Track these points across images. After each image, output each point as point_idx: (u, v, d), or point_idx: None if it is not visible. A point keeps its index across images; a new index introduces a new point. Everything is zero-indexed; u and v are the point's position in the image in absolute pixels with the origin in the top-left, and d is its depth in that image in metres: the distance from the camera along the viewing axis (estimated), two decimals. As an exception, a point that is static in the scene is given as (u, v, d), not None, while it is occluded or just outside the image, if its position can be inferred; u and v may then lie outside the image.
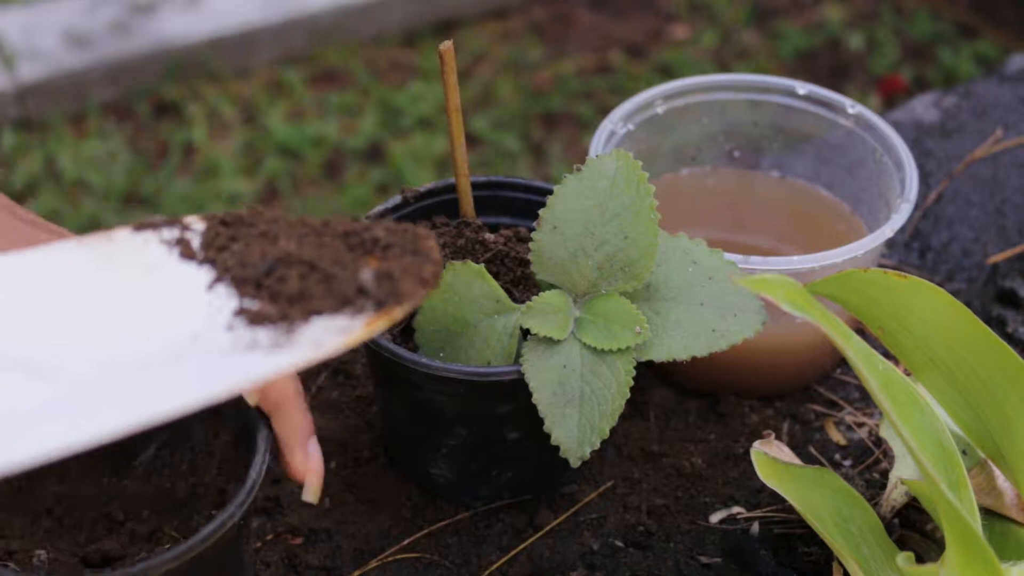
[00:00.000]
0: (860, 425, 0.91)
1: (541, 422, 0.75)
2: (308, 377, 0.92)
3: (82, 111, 2.14)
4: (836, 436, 0.90)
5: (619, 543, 0.83)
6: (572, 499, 0.85)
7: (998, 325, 0.98)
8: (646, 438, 0.89)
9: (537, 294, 0.78)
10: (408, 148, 2.10)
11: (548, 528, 0.83)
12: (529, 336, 0.77)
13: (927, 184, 1.11)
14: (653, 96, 0.95)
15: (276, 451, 0.72)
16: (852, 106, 0.95)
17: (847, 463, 0.88)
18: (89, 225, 1.91)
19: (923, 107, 1.21)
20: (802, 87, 0.97)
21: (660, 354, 0.76)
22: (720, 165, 1.01)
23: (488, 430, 0.80)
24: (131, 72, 2.18)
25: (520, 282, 0.82)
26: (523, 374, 0.75)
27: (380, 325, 0.61)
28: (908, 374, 0.74)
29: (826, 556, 0.79)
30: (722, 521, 0.84)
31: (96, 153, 2.06)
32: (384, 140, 2.13)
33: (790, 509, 0.82)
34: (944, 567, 0.66)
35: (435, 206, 0.87)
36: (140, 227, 0.68)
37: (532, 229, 0.80)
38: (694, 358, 0.76)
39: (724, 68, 2.23)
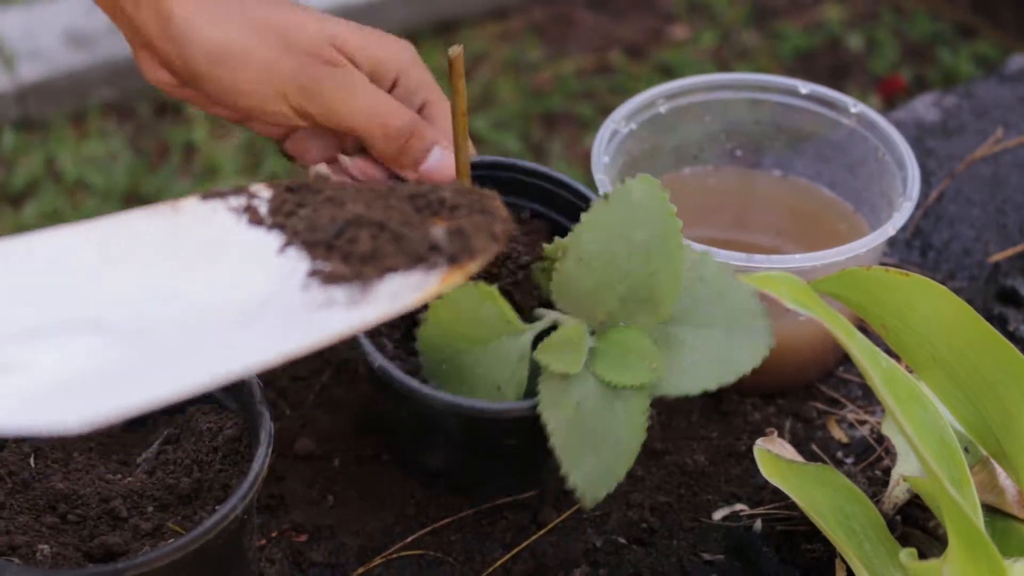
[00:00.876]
0: (862, 423, 0.91)
1: (546, 437, 0.73)
2: (311, 375, 0.92)
3: (82, 111, 2.13)
4: (838, 434, 0.91)
5: (622, 540, 0.83)
6: (575, 496, 0.85)
7: (999, 323, 0.98)
8: (649, 436, 0.89)
9: (539, 296, 0.78)
10: (408, 148, 2.10)
11: (551, 525, 0.84)
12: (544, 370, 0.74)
13: (928, 183, 1.11)
14: (655, 95, 0.96)
15: (278, 444, 0.73)
16: (854, 105, 0.95)
17: (849, 460, 0.88)
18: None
19: (924, 107, 1.21)
20: (804, 86, 0.97)
21: (672, 389, 0.74)
22: (722, 164, 1.01)
23: (495, 448, 0.81)
24: (131, 72, 2.18)
25: (520, 283, 0.82)
26: (539, 413, 0.72)
27: (455, 279, 0.63)
28: (910, 371, 0.74)
29: (829, 553, 0.80)
30: (725, 518, 0.85)
31: (97, 153, 2.05)
32: (384, 140, 2.12)
33: (793, 506, 0.82)
34: (946, 563, 0.66)
35: None
36: (207, 196, 0.69)
37: (527, 209, 0.80)
38: None
39: (724, 68, 2.23)
